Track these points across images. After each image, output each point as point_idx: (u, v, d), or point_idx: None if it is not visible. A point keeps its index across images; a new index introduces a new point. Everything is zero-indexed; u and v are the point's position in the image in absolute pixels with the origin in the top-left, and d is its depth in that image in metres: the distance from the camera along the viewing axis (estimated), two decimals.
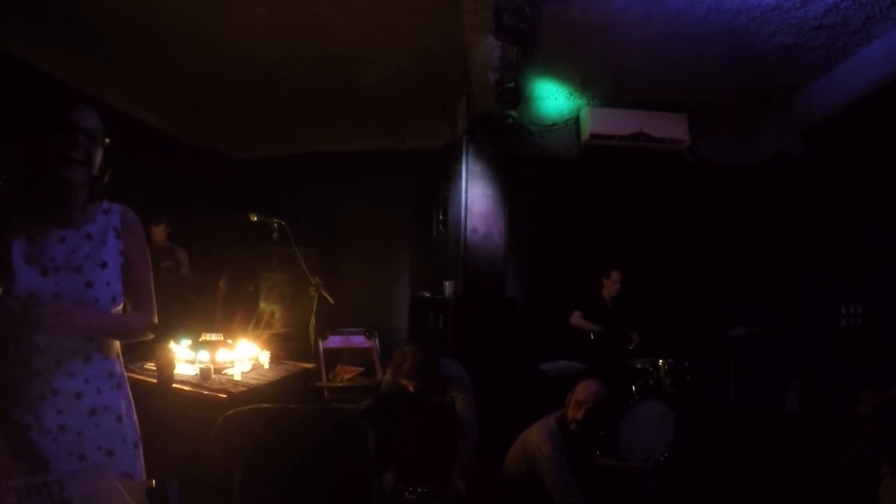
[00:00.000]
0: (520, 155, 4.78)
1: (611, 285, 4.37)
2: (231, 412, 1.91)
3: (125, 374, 1.46)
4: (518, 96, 3.72)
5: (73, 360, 1.30)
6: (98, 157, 1.34)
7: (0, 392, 1.27)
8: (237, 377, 2.78)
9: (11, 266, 1.26)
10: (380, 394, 3.02)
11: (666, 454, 3.44)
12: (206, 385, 2.58)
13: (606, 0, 3.05)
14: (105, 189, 1.42)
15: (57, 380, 1.28)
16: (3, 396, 1.27)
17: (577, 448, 2.52)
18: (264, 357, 3.22)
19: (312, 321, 3.24)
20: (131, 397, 1.46)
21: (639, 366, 3.81)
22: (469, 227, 3.97)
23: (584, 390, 2.51)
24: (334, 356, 4.18)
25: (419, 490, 2.58)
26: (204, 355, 2.92)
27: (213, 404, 2.36)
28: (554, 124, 4.73)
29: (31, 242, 1.30)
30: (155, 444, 1.42)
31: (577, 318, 4.28)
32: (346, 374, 4.08)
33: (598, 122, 4.35)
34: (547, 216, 4.90)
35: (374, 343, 4.21)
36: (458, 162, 4.02)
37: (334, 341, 4.13)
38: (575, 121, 4.65)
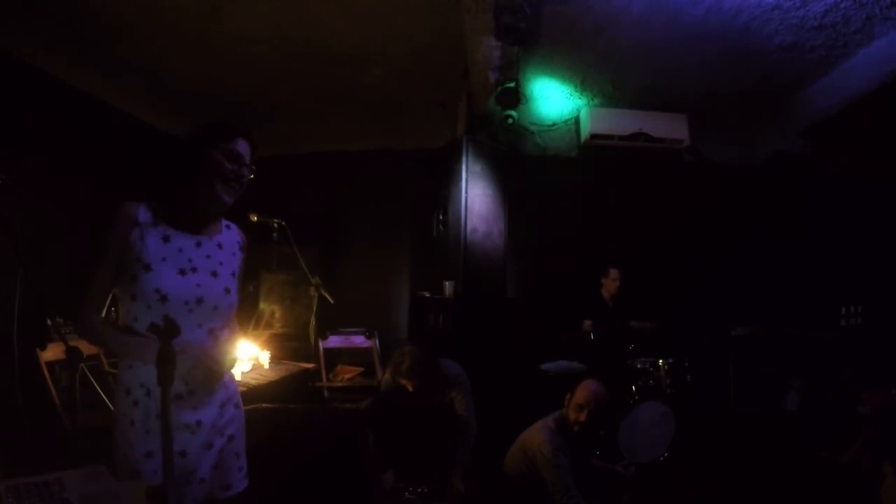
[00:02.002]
0: (520, 155, 4.78)
1: (610, 283, 4.37)
2: None
3: None
4: (518, 96, 3.71)
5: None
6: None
7: (131, 397, 1.33)
8: (237, 377, 2.78)
9: (146, 263, 1.31)
10: (379, 394, 3.02)
11: (665, 454, 3.44)
12: None
13: (607, 0, 3.05)
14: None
15: (191, 379, 1.34)
16: (132, 401, 1.32)
17: (577, 448, 2.52)
18: (264, 357, 3.22)
19: (312, 321, 3.24)
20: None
21: (639, 366, 3.81)
22: (469, 227, 3.97)
23: (585, 392, 2.50)
24: (334, 356, 4.18)
25: (419, 490, 2.58)
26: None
27: None
28: (554, 124, 4.72)
29: (166, 241, 1.36)
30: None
31: (588, 327, 4.28)
32: (346, 374, 4.08)
33: (598, 122, 4.34)
34: (547, 216, 4.90)
35: (374, 343, 4.20)
36: (458, 162, 4.02)
37: (334, 341, 4.13)
38: (575, 121, 4.65)
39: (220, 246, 1.46)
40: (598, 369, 3.60)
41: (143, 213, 1.35)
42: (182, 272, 1.35)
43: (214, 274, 1.41)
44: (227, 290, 1.43)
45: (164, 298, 1.30)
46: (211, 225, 1.47)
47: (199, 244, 1.41)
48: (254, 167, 1.46)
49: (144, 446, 1.30)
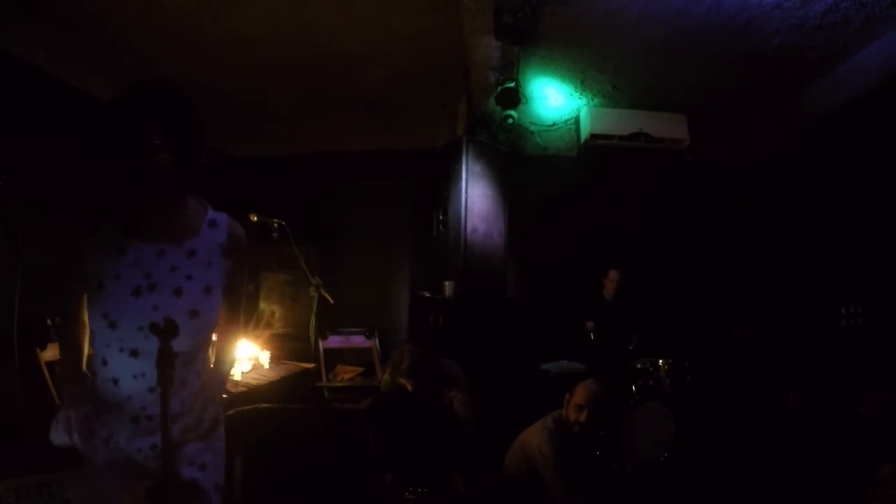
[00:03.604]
0: (520, 155, 4.78)
1: (609, 284, 4.38)
2: (231, 412, 1.91)
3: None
4: (518, 96, 3.71)
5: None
6: (173, 161, 1.10)
7: (92, 407, 1.20)
8: (237, 377, 2.78)
9: (100, 280, 1.12)
10: (379, 394, 3.02)
11: (665, 454, 3.44)
12: None
13: (607, 0, 3.05)
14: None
15: (151, 406, 1.17)
16: (94, 411, 1.20)
17: (577, 448, 2.52)
18: (264, 357, 3.22)
19: (312, 321, 3.24)
20: (222, 415, 1.38)
21: (639, 366, 3.80)
22: (469, 227, 3.96)
23: (584, 392, 2.50)
24: (334, 356, 4.18)
25: (419, 490, 2.58)
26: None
27: None
28: (554, 124, 4.72)
29: (122, 254, 1.14)
30: None
31: (589, 327, 4.28)
32: (346, 374, 4.08)
33: (598, 122, 4.34)
34: (547, 216, 4.90)
35: (374, 343, 4.21)
36: (458, 162, 4.02)
37: (334, 341, 4.13)
38: (575, 121, 4.64)
39: (191, 254, 1.17)
40: (599, 369, 3.59)
41: (94, 222, 1.17)
42: (137, 292, 1.12)
43: (178, 292, 1.14)
44: (194, 314, 1.15)
45: (112, 325, 1.11)
46: (180, 224, 1.17)
47: (160, 253, 1.15)
48: (178, 129, 1.12)
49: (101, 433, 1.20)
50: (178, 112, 1.13)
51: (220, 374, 1.40)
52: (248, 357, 3.06)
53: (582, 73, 3.98)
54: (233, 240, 1.24)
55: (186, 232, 1.18)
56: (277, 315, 4.70)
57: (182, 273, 1.16)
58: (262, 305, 4.62)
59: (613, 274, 4.37)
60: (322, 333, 3.97)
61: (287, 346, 3.94)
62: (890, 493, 2.41)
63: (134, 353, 1.14)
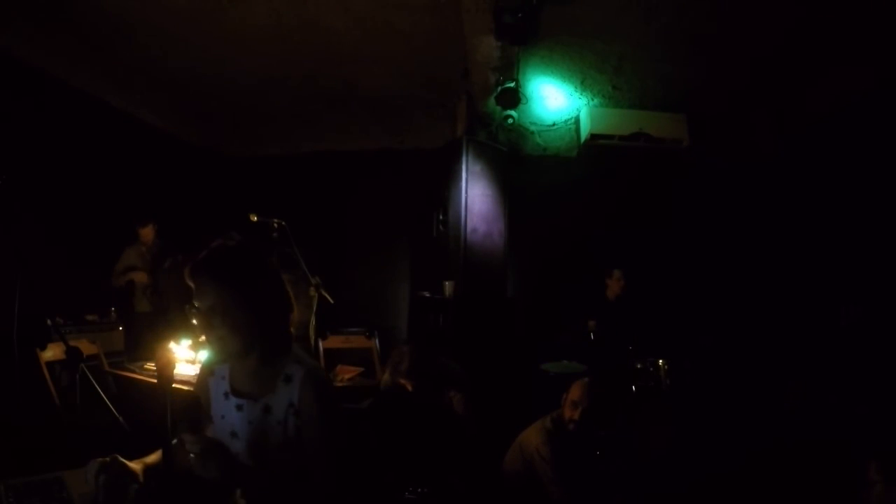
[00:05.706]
0: (520, 155, 4.78)
1: (614, 284, 4.36)
2: None
3: None
4: (518, 96, 3.72)
5: None
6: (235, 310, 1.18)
7: None
8: None
9: (212, 414, 1.28)
10: (379, 394, 3.01)
11: (664, 454, 3.44)
12: None
13: (607, 0, 3.05)
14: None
15: None
16: None
17: (575, 447, 2.52)
18: None
19: (312, 321, 3.24)
20: None
21: (639, 366, 3.80)
22: (469, 227, 3.96)
23: (579, 390, 2.51)
24: (334, 356, 4.17)
25: (419, 490, 2.58)
26: (204, 355, 2.92)
27: None
28: (554, 124, 4.72)
29: (226, 398, 1.26)
30: (157, 445, 1.42)
31: (592, 327, 4.28)
32: (346, 374, 4.07)
33: (598, 122, 4.34)
34: (547, 216, 4.90)
35: (374, 343, 4.20)
36: (458, 162, 4.02)
37: (334, 341, 4.12)
38: (575, 121, 4.64)
39: (266, 410, 1.18)
40: (599, 369, 3.59)
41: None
42: (233, 435, 1.23)
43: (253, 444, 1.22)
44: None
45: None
46: (259, 380, 1.22)
47: (239, 407, 1.22)
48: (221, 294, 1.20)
49: None
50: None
51: None
52: None
53: (582, 73, 3.98)
54: (305, 399, 1.18)
55: (265, 388, 1.20)
56: None
57: (258, 428, 1.19)
58: None
59: (618, 274, 4.35)
60: (322, 333, 3.97)
61: None
62: (877, 489, 2.42)
63: None
